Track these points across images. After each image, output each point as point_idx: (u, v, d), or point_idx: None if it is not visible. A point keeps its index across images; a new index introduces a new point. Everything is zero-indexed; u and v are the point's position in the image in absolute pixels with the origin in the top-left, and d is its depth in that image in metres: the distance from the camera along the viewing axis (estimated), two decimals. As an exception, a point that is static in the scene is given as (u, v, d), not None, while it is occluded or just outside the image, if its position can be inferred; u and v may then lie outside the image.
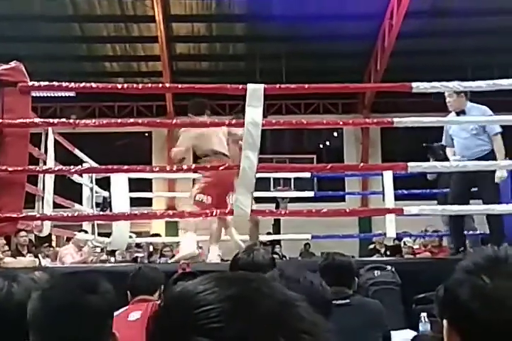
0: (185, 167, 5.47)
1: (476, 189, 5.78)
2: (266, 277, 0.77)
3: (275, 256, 9.20)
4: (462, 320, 0.97)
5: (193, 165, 5.74)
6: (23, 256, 7.67)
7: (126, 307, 3.07)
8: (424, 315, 3.64)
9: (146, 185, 12.50)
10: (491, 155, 5.50)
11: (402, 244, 9.55)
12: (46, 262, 8.36)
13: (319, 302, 1.66)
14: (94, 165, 7.00)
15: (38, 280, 1.71)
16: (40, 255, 8.63)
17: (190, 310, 0.68)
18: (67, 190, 7.25)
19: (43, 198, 5.31)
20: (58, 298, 1.58)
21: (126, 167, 4.98)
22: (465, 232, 6.94)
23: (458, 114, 5.69)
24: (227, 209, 5.17)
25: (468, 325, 0.96)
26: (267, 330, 0.66)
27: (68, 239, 9.61)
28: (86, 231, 7.58)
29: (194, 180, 6.65)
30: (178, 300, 0.71)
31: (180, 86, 5.85)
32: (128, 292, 3.24)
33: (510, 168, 5.71)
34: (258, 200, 6.03)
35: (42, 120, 4.91)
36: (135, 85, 5.29)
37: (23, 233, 7.62)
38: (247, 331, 0.65)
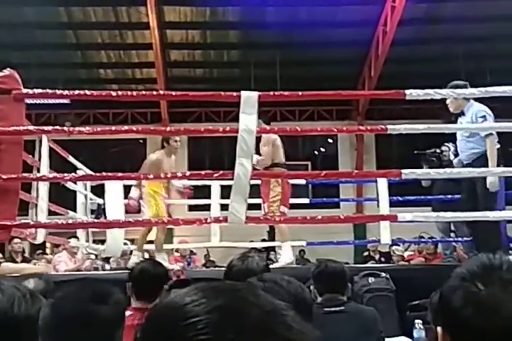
0: (179, 174, 5.47)
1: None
2: (253, 286, 0.77)
3: (270, 262, 9.20)
4: (456, 327, 0.98)
5: (188, 173, 5.73)
6: (17, 263, 7.64)
7: (129, 312, 2.96)
8: (418, 321, 3.64)
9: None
10: (482, 159, 5.49)
11: (392, 252, 9.56)
12: (40, 270, 8.32)
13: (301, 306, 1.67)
14: (89, 172, 6.98)
15: (21, 288, 1.69)
16: (34, 262, 8.60)
17: (178, 322, 0.68)
18: (62, 197, 7.23)
19: (36, 205, 5.29)
20: (69, 307, 1.58)
21: (120, 174, 4.97)
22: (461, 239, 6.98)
23: (458, 115, 5.72)
24: None
25: (461, 331, 0.96)
26: (256, 340, 0.66)
27: (58, 246, 9.58)
28: (77, 238, 7.56)
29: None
30: (166, 312, 0.71)
31: (174, 93, 5.86)
32: (132, 291, 3.09)
33: (504, 175, 5.72)
34: (253, 207, 6.04)
35: (36, 127, 4.90)
36: (129, 92, 5.29)
37: (16, 240, 7.59)
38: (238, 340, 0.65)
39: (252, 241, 8.71)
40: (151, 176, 5.33)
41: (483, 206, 5.42)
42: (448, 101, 5.77)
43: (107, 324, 1.59)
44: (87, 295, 1.64)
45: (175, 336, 0.67)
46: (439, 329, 1.02)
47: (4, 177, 4.34)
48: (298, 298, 1.76)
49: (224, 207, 6.60)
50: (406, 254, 9.65)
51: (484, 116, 5.57)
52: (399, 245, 9.66)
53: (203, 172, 5.92)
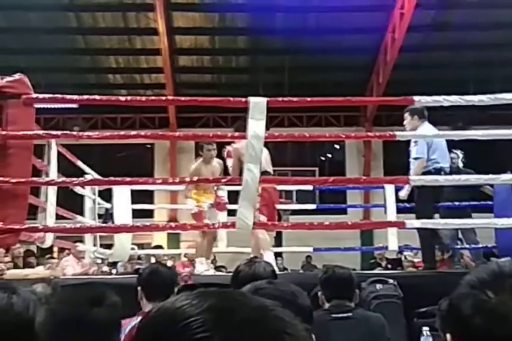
0: (187, 179, 5.48)
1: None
2: (238, 290, 0.82)
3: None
4: (466, 335, 0.98)
5: (195, 178, 5.74)
6: (19, 268, 7.64)
7: (140, 316, 2.93)
8: (426, 329, 3.63)
9: (147, 196, 12.51)
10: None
11: (403, 258, 9.51)
12: (47, 274, 8.33)
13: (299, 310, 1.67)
14: (97, 176, 7.01)
15: (37, 293, 1.71)
16: (42, 266, 8.60)
17: (174, 325, 0.70)
18: (70, 201, 7.25)
19: (45, 210, 5.31)
20: (64, 310, 1.59)
21: (128, 179, 4.99)
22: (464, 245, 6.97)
23: None
24: None
25: (471, 339, 0.96)
26: (252, 332, 0.68)
27: (63, 250, 9.59)
28: (82, 241, 7.57)
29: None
30: (160, 317, 0.73)
31: (183, 99, 5.89)
32: (141, 293, 3.11)
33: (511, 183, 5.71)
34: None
35: (45, 132, 4.93)
36: (138, 97, 5.32)
37: (16, 245, 7.57)
38: (233, 336, 0.68)
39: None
40: (160, 181, 5.34)
41: (418, 215, 5.59)
42: (405, 122, 6.02)
43: (103, 327, 1.60)
44: (82, 299, 1.65)
45: (173, 338, 0.69)
46: (448, 336, 1.03)
47: (14, 181, 4.37)
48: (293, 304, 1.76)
49: (231, 213, 6.61)
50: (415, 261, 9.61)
51: (416, 141, 5.86)
52: (404, 252, 9.62)
53: (209, 175, 5.94)
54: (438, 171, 5.80)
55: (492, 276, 0.99)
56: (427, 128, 5.89)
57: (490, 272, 1.00)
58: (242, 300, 0.73)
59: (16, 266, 7.58)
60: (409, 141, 6.00)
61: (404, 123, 6.03)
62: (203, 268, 6.24)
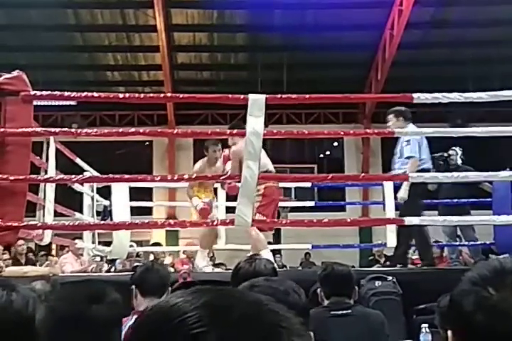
0: (186, 176, 5.48)
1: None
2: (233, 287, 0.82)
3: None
4: (467, 332, 0.97)
5: (194, 175, 5.74)
6: (22, 264, 7.65)
7: (135, 316, 2.91)
8: (425, 325, 3.63)
9: (146, 193, 12.50)
10: None
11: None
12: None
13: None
14: (95, 174, 7.00)
15: (36, 290, 1.70)
16: (38, 264, 8.61)
17: (169, 321, 0.70)
18: (68, 198, 7.25)
19: (44, 207, 5.31)
20: (63, 308, 1.59)
21: (127, 176, 4.98)
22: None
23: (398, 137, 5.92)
24: None
25: (473, 336, 0.96)
26: (247, 327, 0.69)
27: (63, 248, 9.61)
28: (81, 239, 7.56)
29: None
30: (155, 315, 0.73)
31: (181, 96, 5.88)
32: (136, 291, 3.08)
33: (511, 179, 5.72)
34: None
35: (44, 129, 4.92)
36: (136, 95, 5.30)
37: (20, 242, 7.59)
38: (230, 331, 0.68)
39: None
40: (158, 178, 5.34)
41: (404, 213, 5.54)
42: (390, 123, 5.92)
43: (102, 324, 1.60)
44: (82, 296, 1.65)
45: (168, 335, 0.69)
46: (449, 333, 1.02)
47: (12, 178, 4.36)
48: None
49: (230, 210, 6.61)
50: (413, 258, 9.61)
51: (408, 141, 5.77)
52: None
53: (209, 174, 5.93)
54: (426, 171, 5.76)
55: (493, 273, 0.99)
56: (413, 130, 5.84)
57: (491, 269, 1.00)
58: (237, 296, 0.74)
59: (18, 263, 7.59)
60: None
61: (389, 124, 5.91)
62: (202, 263, 6.21)
